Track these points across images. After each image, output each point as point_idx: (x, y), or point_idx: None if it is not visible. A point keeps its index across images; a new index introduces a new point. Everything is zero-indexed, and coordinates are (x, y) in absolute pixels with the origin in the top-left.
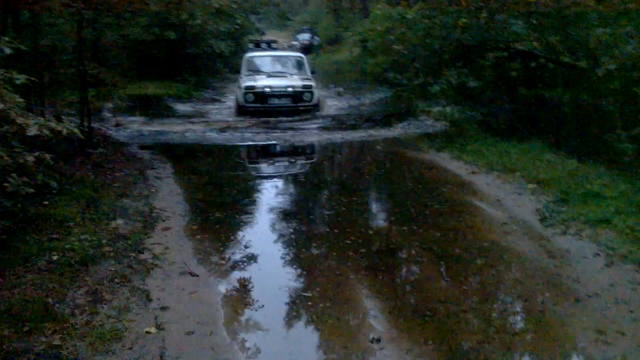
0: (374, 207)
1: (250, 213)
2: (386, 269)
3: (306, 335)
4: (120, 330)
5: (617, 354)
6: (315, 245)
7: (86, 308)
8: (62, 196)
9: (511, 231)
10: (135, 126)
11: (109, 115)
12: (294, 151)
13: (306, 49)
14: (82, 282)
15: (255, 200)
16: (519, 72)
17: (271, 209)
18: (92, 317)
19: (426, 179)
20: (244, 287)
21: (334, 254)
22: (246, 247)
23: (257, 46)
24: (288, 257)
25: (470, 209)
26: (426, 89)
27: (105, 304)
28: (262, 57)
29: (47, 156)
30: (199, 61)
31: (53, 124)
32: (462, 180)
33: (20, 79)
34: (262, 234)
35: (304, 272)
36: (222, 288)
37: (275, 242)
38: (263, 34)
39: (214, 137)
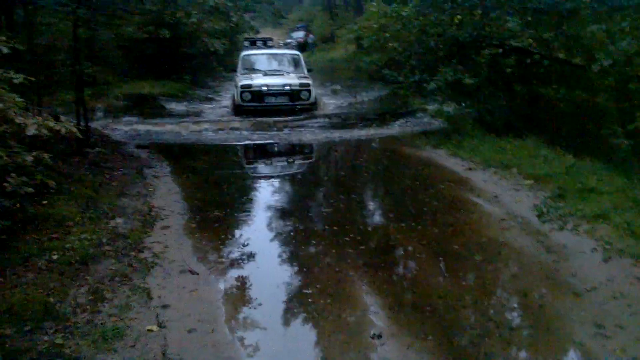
0: (372, 204)
1: (249, 211)
2: (385, 266)
3: (307, 332)
4: (121, 328)
5: (616, 348)
6: (314, 242)
7: (87, 307)
8: (61, 196)
9: (509, 227)
10: (132, 126)
11: (100, 114)
12: (291, 150)
13: (301, 47)
14: (82, 281)
15: (253, 199)
16: (514, 69)
17: (269, 207)
18: (93, 316)
19: (423, 175)
20: (244, 284)
21: (333, 251)
22: (245, 245)
23: (253, 44)
24: (287, 255)
25: (467, 205)
26: (422, 86)
27: (106, 303)
28: (258, 55)
29: (46, 156)
30: (194, 60)
31: (52, 124)
32: (459, 177)
33: (19, 78)
34: (261, 232)
35: (304, 270)
36: (222, 286)
37: (274, 239)
38: (257, 32)
39: (211, 136)
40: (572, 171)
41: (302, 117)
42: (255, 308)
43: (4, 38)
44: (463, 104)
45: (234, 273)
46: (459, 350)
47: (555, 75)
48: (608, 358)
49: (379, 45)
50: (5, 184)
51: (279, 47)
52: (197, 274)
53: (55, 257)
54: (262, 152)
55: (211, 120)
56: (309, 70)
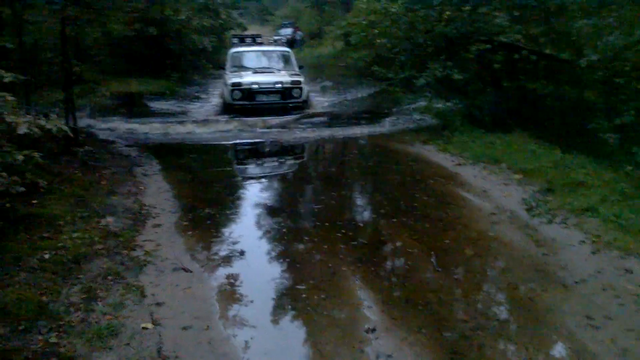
0: (363, 200)
1: (241, 209)
2: (377, 261)
3: (301, 327)
4: (116, 326)
5: (606, 338)
6: (306, 239)
7: (81, 305)
8: (51, 195)
9: (499, 221)
10: (120, 125)
11: (87, 113)
12: (282, 148)
13: (289, 44)
14: (75, 280)
15: (244, 197)
16: (502, 65)
17: (261, 205)
18: (87, 315)
19: (413, 171)
20: (237, 281)
21: (325, 247)
22: (238, 242)
23: (242, 41)
24: (279, 251)
25: (457, 200)
26: (411, 82)
27: (99, 301)
28: (247, 52)
29: (37, 154)
30: (181, 57)
31: (43, 122)
32: (449, 172)
33: (8, 77)
34: (252, 229)
35: (296, 266)
36: (216, 283)
37: (266, 236)
38: (245, 29)
39: (201, 135)
40: (560, 165)
41: (293, 115)
42: (249, 304)
43: None
44: (452, 100)
45: (227, 270)
46: (451, 343)
47: (543, 71)
48: (598, 348)
49: (367, 41)
50: None
51: (269, 44)
52: (191, 271)
53: (47, 256)
54: (253, 151)
55: (200, 119)
56: (299, 67)
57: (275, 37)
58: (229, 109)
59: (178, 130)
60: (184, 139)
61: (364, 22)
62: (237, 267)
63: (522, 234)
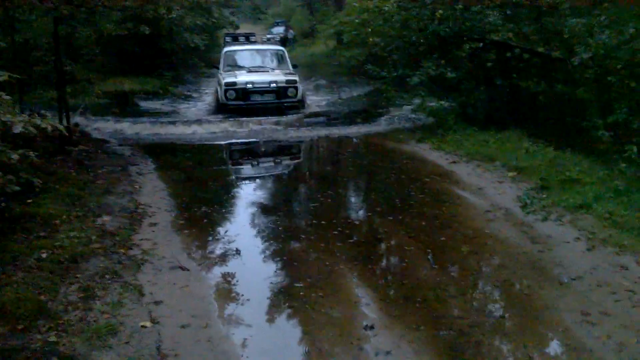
0: (359, 199)
1: (237, 208)
2: (374, 259)
3: (300, 325)
4: (115, 325)
5: (602, 334)
6: (302, 237)
7: (79, 304)
8: (46, 194)
9: (494, 218)
10: (113, 124)
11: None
12: (277, 148)
13: (281, 43)
14: (73, 279)
15: (241, 196)
16: (494, 63)
17: (257, 204)
18: (86, 313)
19: (408, 170)
20: (234, 279)
21: (322, 245)
22: (234, 240)
23: (235, 40)
24: (276, 250)
25: (453, 198)
26: (405, 80)
27: (98, 300)
28: (241, 51)
29: (32, 154)
30: (174, 56)
31: (38, 121)
32: (444, 170)
33: (3, 75)
34: (249, 227)
35: (293, 264)
36: (214, 281)
37: (262, 235)
38: (237, 27)
39: (196, 134)
40: (554, 163)
41: (288, 115)
42: (246, 302)
43: None
44: (445, 99)
45: (224, 268)
46: (449, 340)
47: (536, 69)
48: (594, 344)
49: (360, 40)
50: None
51: (262, 43)
52: (188, 270)
53: (44, 255)
54: (248, 151)
55: (194, 119)
56: (294, 66)
57: (268, 36)
58: (223, 108)
59: (172, 131)
60: (178, 139)
61: (356, 21)
62: (234, 265)
63: (517, 231)
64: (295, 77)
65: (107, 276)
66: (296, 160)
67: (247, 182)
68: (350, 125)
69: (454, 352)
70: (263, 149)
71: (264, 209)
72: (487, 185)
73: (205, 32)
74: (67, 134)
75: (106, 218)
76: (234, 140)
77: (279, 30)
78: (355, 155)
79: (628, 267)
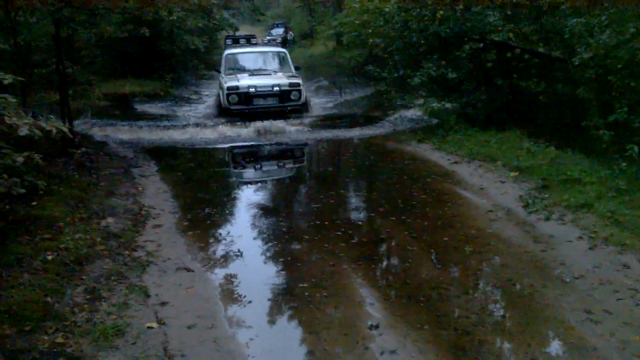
0: (362, 199)
1: (240, 209)
2: (378, 259)
3: (305, 325)
4: (121, 326)
5: (605, 332)
6: (306, 237)
7: (85, 306)
8: (50, 197)
9: (496, 218)
10: (115, 127)
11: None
12: (281, 150)
13: (282, 44)
14: (79, 281)
15: (244, 197)
16: (494, 63)
17: (261, 205)
18: (92, 315)
19: (410, 170)
20: (239, 280)
21: (326, 245)
22: (238, 241)
23: (236, 42)
24: (279, 251)
25: (455, 198)
26: (405, 81)
27: (104, 302)
28: (242, 54)
29: (37, 156)
30: (174, 58)
31: (43, 124)
32: (446, 171)
33: (8, 78)
34: (252, 228)
35: (297, 264)
36: (219, 282)
37: (266, 236)
38: (237, 29)
39: (199, 139)
40: (555, 162)
41: (291, 118)
42: (251, 303)
43: None
44: (446, 99)
45: (228, 269)
46: (454, 339)
47: (536, 69)
48: (598, 342)
49: (360, 41)
50: None
51: (263, 45)
52: (193, 271)
53: (49, 257)
54: (251, 154)
55: (195, 122)
56: (296, 68)
57: (268, 38)
58: (225, 113)
59: (173, 135)
60: (182, 143)
61: (356, 22)
62: (238, 266)
63: (519, 231)
64: (299, 80)
65: (112, 278)
66: (299, 162)
67: (250, 184)
68: (353, 127)
69: (458, 351)
70: (266, 152)
71: (268, 210)
72: (488, 185)
73: (205, 34)
74: (71, 136)
75: (110, 220)
76: (236, 143)
77: (279, 31)
78: (358, 156)
79: (630, 265)
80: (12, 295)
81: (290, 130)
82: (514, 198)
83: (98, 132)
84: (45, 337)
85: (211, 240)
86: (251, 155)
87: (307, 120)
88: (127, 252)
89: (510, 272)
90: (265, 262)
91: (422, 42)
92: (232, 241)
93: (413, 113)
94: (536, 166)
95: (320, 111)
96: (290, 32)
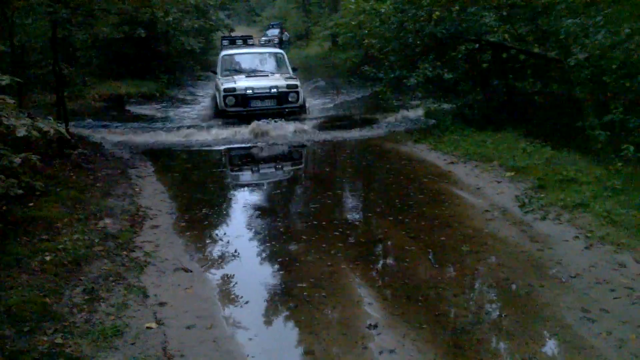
0: (360, 200)
1: (238, 210)
2: (376, 259)
3: (304, 324)
4: (120, 326)
5: (602, 331)
6: (303, 238)
7: (84, 306)
8: (47, 197)
9: (493, 218)
10: (112, 128)
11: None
12: (278, 151)
13: (278, 45)
14: (77, 282)
15: (242, 198)
16: (490, 64)
17: (258, 206)
18: (91, 315)
19: (407, 171)
20: (237, 280)
21: (324, 245)
22: (235, 242)
23: (232, 43)
24: (277, 251)
25: (452, 198)
26: (402, 82)
27: (102, 302)
28: (239, 55)
29: (34, 157)
30: (170, 59)
31: (41, 124)
32: (442, 171)
33: (5, 79)
34: (250, 229)
35: (296, 264)
36: (217, 282)
37: (263, 236)
38: (232, 30)
39: (195, 139)
40: (551, 162)
41: (289, 120)
42: (250, 303)
43: None
44: (442, 99)
45: (226, 270)
46: (452, 338)
47: (531, 69)
48: (595, 341)
49: (355, 42)
50: None
51: (260, 46)
52: (191, 271)
53: (47, 258)
54: (249, 155)
55: (192, 124)
56: (293, 70)
57: (263, 38)
58: (221, 115)
59: (170, 136)
60: (178, 144)
61: (352, 23)
62: (236, 266)
63: (516, 230)
64: (297, 82)
65: (110, 278)
66: (297, 164)
67: (247, 184)
68: (350, 128)
69: (456, 350)
70: (263, 153)
71: (265, 211)
72: (485, 185)
73: (201, 35)
74: (68, 137)
75: (108, 221)
76: (234, 145)
77: (274, 32)
78: (355, 157)
79: (626, 264)
80: (11, 296)
81: (288, 131)
82: (511, 198)
83: (93, 134)
84: (45, 338)
85: (209, 240)
86: (248, 157)
87: (304, 122)
88: (125, 252)
89: (507, 272)
90: (263, 263)
91: (418, 42)
92: (230, 242)
93: (409, 114)
94: (532, 166)
95: (317, 112)
96: (286, 33)
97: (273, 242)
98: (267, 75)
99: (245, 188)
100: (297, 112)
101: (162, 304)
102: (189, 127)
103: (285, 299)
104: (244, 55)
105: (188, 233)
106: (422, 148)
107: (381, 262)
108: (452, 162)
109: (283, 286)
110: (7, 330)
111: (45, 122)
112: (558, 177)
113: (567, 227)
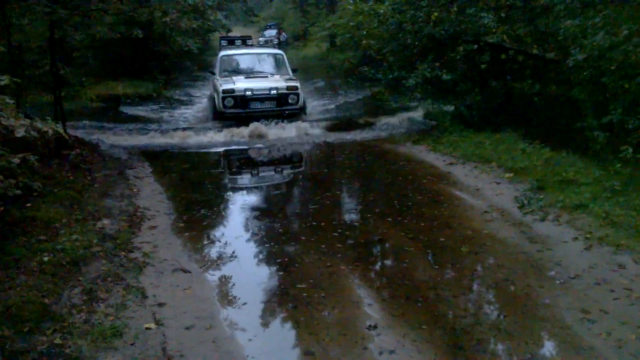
0: (358, 201)
1: (236, 211)
2: (375, 259)
3: (304, 324)
4: (119, 327)
5: (601, 331)
6: (303, 239)
7: (83, 307)
8: (44, 198)
9: (492, 219)
10: (110, 130)
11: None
12: (277, 153)
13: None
14: (76, 282)
15: (240, 199)
16: (489, 65)
17: (257, 207)
18: (90, 316)
19: (406, 172)
20: (236, 281)
21: (323, 246)
22: (234, 243)
23: (231, 43)
24: (276, 252)
25: (451, 199)
26: (400, 83)
27: (101, 303)
28: (238, 56)
29: (32, 158)
30: (167, 59)
31: (40, 125)
32: (441, 172)
33: (5, 79)
34: (248, 230)
35: (295, 265)
36: (216, 283)
37: (262, 237)
38: (230, 30)
39: (195, 142)
40: (550, 164)
41: (288, 121)
42: (249, 303)
43: None
44: (441, 100)
45: (226, 270)
46: (452, 338)
47: (530, 70)
48: (594, 341)
49: (353, 43)
50: None
51: (260, 46)
52: (190, 272)
53: (46, 259)
54: (249, 157)
55: (190, 126)
56: (293, 71)
57: (261, 39)
58: (220, 116)
59: (168, 138)
60: (176, 146)
61: (351, 24)
62: (234, 267)
63: (515, 231)
64: (297, 83)
65: (109, 279)
66: (296, 165)
67: (246, 185)
68: (349, 130)
69: (456, 350)
70: (262, 154)
71: (264, 212)
72: (484, 186)
73: (198, 36)
74: (67, 137)
75: (106, 221)
76: (233, 147)
77: (271, 33)
78: (354, 159)
79: (625, 265)
80: (10, 297)
81: (287, 133)
82: (510, 199)
83: (90, 134)
84: (44, 338)
85: (208, 241)
86: (247, 158)
87: (303, 123)
88: (123, 253)
89: (507, 272)
90: (262, 263)
91: (417, 43)
92: (228, 242)
93: (408, 115)
94: (531, 167)
95: (315, 114)
96: (283, 34)
97: (272, 243)
98: (267, 77)
99: (244, 189)
100: (297, 114)
101: (161, 305)
102: (186, 128)
103: (284, 299)
104: (243, 56)
105: (186, 234)
106: (421, 149)
107: (380, 263)
108: (451, 163)
109: (282, 287)
110: (6, 330)
111: (43, 122)
112: (557, 178)
113: (567, 228)
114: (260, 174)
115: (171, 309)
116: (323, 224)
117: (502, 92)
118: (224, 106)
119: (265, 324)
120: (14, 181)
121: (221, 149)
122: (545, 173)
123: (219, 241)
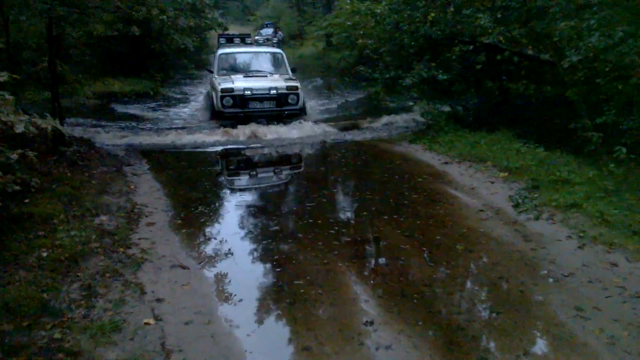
0: (355, 199)
1: (234, 208)
2: (371, 257)
3: (301, 320)
4: (118, 322)
5: (595, 328)
6: (300, 236)
7: (82, 302)
8: (42, 194)
9: (487, 217)
10: (107, 128)
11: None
12: (275, 152)
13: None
14: (74, 278)
15: (238, 197)
16: (484, 65)
17: (254, 204)
18: (89, 311)
19: (403, 171)
20: (235, 277)
21: (320, 244)
22: (231, 239)
23: (230, 41)
24: (274, 248)
25: (446, 197)
26: (396, 82)
27: (100, 298)
28: (237, 54)
29: (31, 154)
30: (164, 57)
31: (39, 121)
32: (437, 171)
33: (4, 76)
34: (246, 227)
35: (292, 262)
36: (214, 279)
37: (259, 234)
38: (226, 29)
39: (192, 140)
40: (544, 163)
41: (287, 122)
42: (247, 299)
43: None
44: (437, 100)
45: (224, 266)
46: (447, 334)
47: (525, 71)
48: (588, 338)
49: (349, 42)
50: None
51: (259, 45)
52: (188, 268)
53: (44, 254)
54: (247, 156)
55: (186, 125)
56: (292, 70)
57: (257, 37)
58: (218, 116)
59: (164, 136)
60: (173, 144)
61: (348, 24)
62: (232, 263)
63: (510, 230)
64: (297, 83)
65: (107, 275)
66: (293, 164)
67: (244, 184)
68: (346, 129)
69: (451, 346)
70: (261, 154)
71: (261, 209)
72: (479, 185)
73: (195, 34)
74: (65, 134)
75: (104, 218)
76: (231, 146)
77: (268, 31)
78: (351, 158)
79: (618, 264)
80: (9, 292)
81: (285, 133)
82: (504, 198)
83: (87, 131)
84: (43, 333)
85: (205, 237)
86: (245, 157)
87: (302, 123)
88: (121, 249)
89: (501, 270)
90: (260, 260)
91: (413, 43)
92: (226, 239)
93: (404, 114)
94: (526, 167)
95: (314, 113)
96: (280, 32)
97: (269, 240)
98: (266, 76)
99: (242, 187)
100: (296, 115)
101: (159, 300)
102: (183, 127)
103: (282, 295)
104: (242, 54)
105: (184, 230)
106: (417, 148)
107: (377, 260)
108: (447, 163)
109: (280, 283)
110: (5, 325)
111: (42, 119)
112: (551, 177)
113: (560, 227)
114: (258, 173)
115: (170, 304)
116: (320, 221)
117: (497, 93)
118: (223, 105)
119: (263, 320)
120: (12, 177)
121: (219, 148)
122: (539, 172)
123: (217, 238)
